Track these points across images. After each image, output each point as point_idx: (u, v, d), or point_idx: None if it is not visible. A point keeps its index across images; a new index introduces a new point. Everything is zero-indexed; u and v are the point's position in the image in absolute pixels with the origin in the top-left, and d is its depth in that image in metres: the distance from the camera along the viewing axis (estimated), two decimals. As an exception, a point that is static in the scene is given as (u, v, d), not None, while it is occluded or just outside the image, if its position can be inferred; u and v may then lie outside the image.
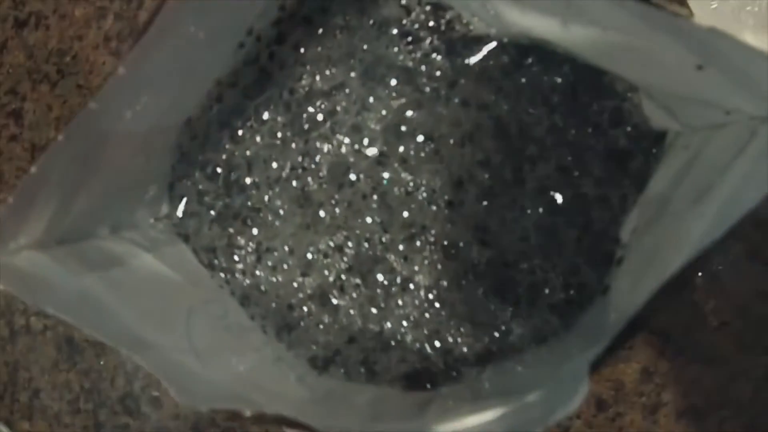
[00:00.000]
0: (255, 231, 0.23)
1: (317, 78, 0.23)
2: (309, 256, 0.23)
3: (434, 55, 0.23)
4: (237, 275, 0.23)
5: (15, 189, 0.16)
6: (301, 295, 0.22)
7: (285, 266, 0.23)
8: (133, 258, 0.20)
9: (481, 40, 0.22)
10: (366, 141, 0.23)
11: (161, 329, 0.18)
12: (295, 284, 0.23)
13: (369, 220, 0.23)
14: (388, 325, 0.22)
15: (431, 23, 0.22)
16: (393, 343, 0.22)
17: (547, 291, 0.22)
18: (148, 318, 0.18)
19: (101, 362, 0.36)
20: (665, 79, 0.18)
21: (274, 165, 0.23)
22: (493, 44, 0.22)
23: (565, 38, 0.20)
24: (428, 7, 0.22)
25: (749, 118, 0.16)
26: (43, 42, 0.37)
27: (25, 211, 0.16)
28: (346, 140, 0.23)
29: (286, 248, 0.23)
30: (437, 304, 0.22)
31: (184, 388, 0.16)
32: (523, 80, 0.22)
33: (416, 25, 0.22)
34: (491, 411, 0.16)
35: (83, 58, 0.36)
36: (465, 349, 0.22)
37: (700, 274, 0.32)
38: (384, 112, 0.23)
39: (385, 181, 0.23)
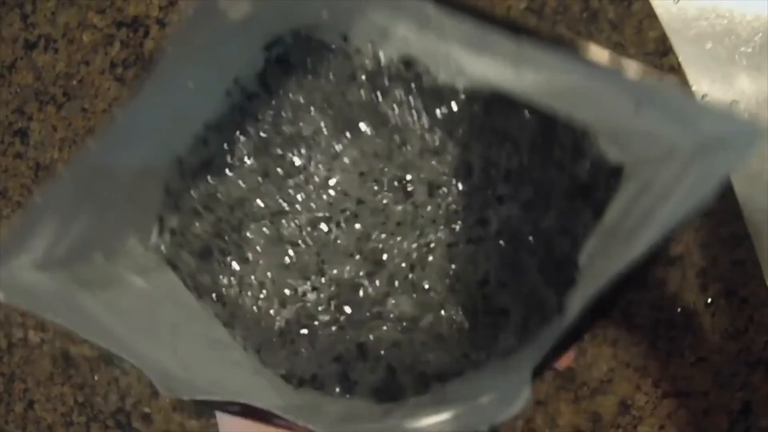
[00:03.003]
0: (235, 266, 0.24)
1: (299, 124, 0.25)
2: (287, 291, 0.24)
3: (405, 104, 0.24)
4: (220, 304, 0.24)
5: (20, 212, 0.18)
6: (278, 325, 0.24)
7: (263, 300, 0.24)
8: (124, 281, 0.21)
9: (447, 91, 0.24)
10: (339, 188, 0.24)
11: (149, 342, 0.20)
12: (272, 312, 0.24)
13: (344, 259, 0.24)
14: (364, 350, 0.24)
15: (402, 75, 0.24)
16: (367, 366, 0.23)
17: (511, 316, 0.23)
18: (138, 333, 0.20)
19: (95, 377, 0.37)
20: (610, 118, 0.20)
21: (256, 204, 0.25)
22: (460, 94, 0.24)
23: (520, 84, 0.21)
24: (401, 65, 0.24)
25: (689, 150, 0.18)
26: (51, 64, 0.38)
27: (27, 235, 0.18)
28: (322, 184, 0.25)
29: (265, 283, 0.24)
30: (410, 332, 0.24)
31: (166, 383, 0.18)
32: (489, 127, 0.24)
33: (388, 78, 0.24)
34: (447, 413, 0.18)
35: (89, 83, 0.37)
36: (435, 370, 0.23)
37: (679, 309, 0.33)
38: (356, 155, 0.24)
39: (358, 225, 0.24)
